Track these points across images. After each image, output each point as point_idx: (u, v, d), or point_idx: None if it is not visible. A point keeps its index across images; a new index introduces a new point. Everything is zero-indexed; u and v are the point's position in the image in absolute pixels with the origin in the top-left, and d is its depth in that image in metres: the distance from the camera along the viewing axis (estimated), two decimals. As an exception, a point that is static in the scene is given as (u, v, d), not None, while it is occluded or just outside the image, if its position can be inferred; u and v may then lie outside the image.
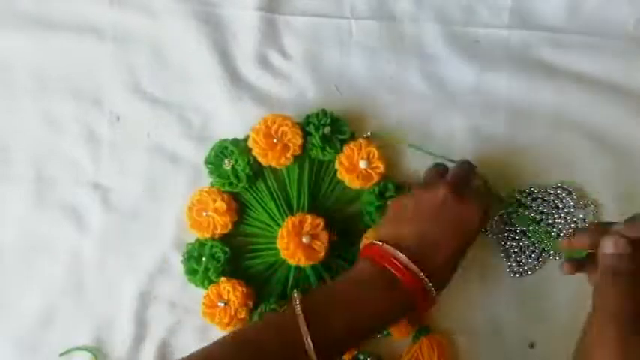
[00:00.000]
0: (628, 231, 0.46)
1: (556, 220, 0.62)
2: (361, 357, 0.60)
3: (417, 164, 0.62)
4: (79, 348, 0.60)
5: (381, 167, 0.60)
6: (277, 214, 0.60)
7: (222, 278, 0.58)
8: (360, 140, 0.60)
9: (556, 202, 0.62)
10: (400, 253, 0.49)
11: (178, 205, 0.62)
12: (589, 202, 0.62)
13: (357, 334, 0.49)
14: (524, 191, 0.62)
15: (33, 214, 0.62)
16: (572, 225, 0.61)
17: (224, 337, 0.48)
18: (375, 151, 0.60)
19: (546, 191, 0.62)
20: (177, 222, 0.62)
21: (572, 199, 0.61)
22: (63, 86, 0.64)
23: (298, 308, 0.46)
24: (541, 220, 0.62)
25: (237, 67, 0.65)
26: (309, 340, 0.45)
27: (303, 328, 0.45)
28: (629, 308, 0.44)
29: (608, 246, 0.46)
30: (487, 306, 0.62)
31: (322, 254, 0.58)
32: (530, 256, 0.61)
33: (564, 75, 0.64)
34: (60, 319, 0.61)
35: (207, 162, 0.61)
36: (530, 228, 0.61)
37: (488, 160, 0.63)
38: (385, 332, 0.60)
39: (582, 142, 0.63)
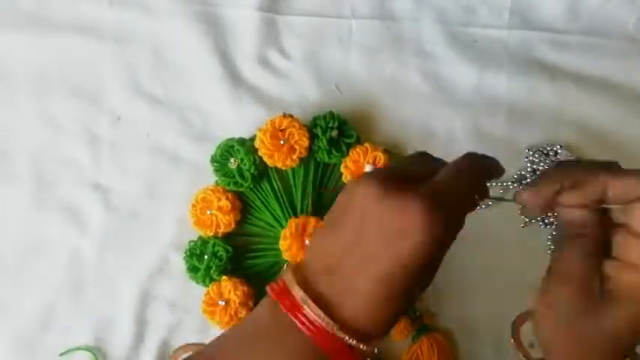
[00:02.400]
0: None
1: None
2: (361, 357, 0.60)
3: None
4: (79, 348, 0.60)
5: (386, 171, 0.60)
6: (281, 214, 0.60)
7: (224, 277, 0.58)
8: (367, 144, 0.60)
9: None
10: (299, 290, 0.36)
11: (178, 205, 0.62)
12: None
13: None
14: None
15: (33, 214, 0.62)
16: None
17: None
18: (381, 155, 0.60)
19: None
20: (177, 222, 0.62)
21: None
22: (63, 86, 0.64)
23: None
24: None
25: (238, 67, 0.65)
26: None
27: None
28: (587, 267, 0.38)
29: (567, 199, 0.39)
30: (487, 306, 0.62)
31: (324, 256, 0.58)
32: None
33: (564, 75, 0.65)
34: (60, 319, 0.60)
35: (213, 160, 0.61)
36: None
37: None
38: (385, 332, 0.60)
39: (582, 142, 0.63)
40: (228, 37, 0.65)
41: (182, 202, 0.61)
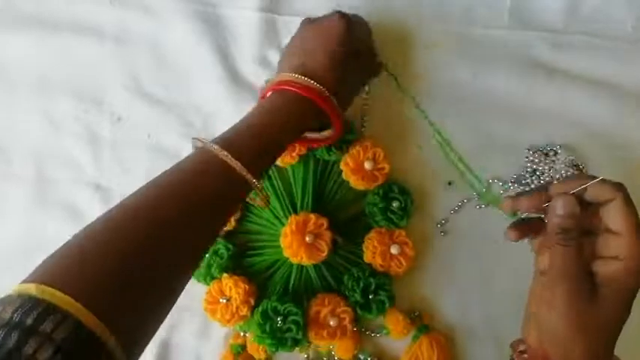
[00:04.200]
0: (567, 187, 0.47)
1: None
2: (361, 357, 0.60)
3: (421, 165, 0.63)
4: (78, 348, 0.60)
5: (386, 168, 0.60)
6: (281, 212, 0.60)
7: (225, 274, 0.58)
8: (366, 142, 0.61)
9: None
10: (284, 74, 0.54)
11: (179, 204, 0.62)
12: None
13: (274, 147, 0.52)
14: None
15: (34, 213, 0.62)
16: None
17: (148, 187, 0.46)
18: (380, 153, 0.60)
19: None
20: (177, 221, 0.62)
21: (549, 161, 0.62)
22: (64, 86, 0.64)
23: (217, 148, 0.46)
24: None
25: (238, 67, 0.65)
26: (240, 165, 0.46)
27: (231, 161, 0.45)
28: (579, 267, 0.46)
29: (560, 207, 0.47)
30: (487, 306, 0.62)
31: (325, 254, 0.58)
32: None
33: (564, 75, 0.65)
34: (60, 318, 0.60)
35: (213, 160, 0.61)
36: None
37: (488, 160, 0.63)
38: (385, 331, 0.60)
39: (582, 142, 0.64)
40: (228, 37, 0.65)
41: (182, 201, 0.61)
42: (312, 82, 0.53)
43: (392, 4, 0.66)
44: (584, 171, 0.62)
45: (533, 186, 0.62)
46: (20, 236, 0.62)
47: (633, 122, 0.64)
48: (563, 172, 0.62)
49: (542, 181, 0.62)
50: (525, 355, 0.48)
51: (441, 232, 0.62)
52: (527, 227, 0.50)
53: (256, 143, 0.49)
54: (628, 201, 0.46)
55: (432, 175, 0.63)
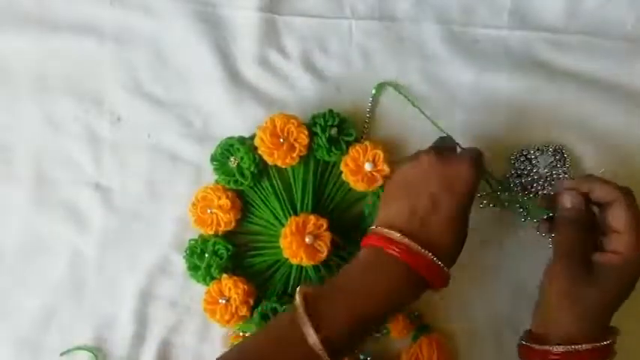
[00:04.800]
0: (576, 184, 0.55)
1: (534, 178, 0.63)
2: (361, 357, 0.60)
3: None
4: (79, 348, 0.60)
5: (386, 170, 0.60)
6: (281, 213, 0.60)
7: (224, 275, 0.58)
8: (366, 143, 0.61)
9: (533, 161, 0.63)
10: (392, 232, 0.48)
11: (179, 204, 0.62)
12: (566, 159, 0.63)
13: (368, 323, 0.48)
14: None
15: (34, 214, 0.62)
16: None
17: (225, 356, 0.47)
18: (380, 154, 0.60)
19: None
20: (177, 222, 0.62)
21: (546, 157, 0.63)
22: (63, 86, 0.64)
23: (301, 310, 0.45)
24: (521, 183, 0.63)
25: (238, 67, 0.65)
26: (315, 339, 0.44)
27: (308, 331, 0.44)
28: (580, 250, 0.53)
29: (567, 201, 0.54)
30: (487, 305, 0.62)
31: (324, 255, 0.58)
32: None
33: (564, 75, 0.65)
34: (60, 318, 0.61)
35: (213, 159, 0.61)
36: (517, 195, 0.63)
37: (487, 160, 0.63)
38: (385, 331, 0.60)
39: (582, 142, 0.64)
40: (228, 37, 0.65)
41: (182, 201, 0.61)
42: (427, 252, 0.47)
43: (396, 7, 0.66)
44: (568, 159, 0.62)
45: (517, 189, 0.63)
46: (20, 236, 0.62)
47: (633, 122, 0.64)
48: (547, 174, 0.62)
49: (529, 186, 0.62)
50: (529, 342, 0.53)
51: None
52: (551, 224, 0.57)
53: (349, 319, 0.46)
54: (631, 203, 0.52)
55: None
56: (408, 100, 0.63)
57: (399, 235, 0.47)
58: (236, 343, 0.59)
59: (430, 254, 0.47)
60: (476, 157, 0.52)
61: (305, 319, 0.45)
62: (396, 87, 0.64)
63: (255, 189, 0.61)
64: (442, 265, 0.48)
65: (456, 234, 0.49)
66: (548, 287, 0.53)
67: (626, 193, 0.53)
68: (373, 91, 0.64)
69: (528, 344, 0.53)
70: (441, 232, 0.48)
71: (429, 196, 0.49)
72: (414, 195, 0.49)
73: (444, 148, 0.54)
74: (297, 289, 0.47)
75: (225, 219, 0.59)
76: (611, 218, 0.52)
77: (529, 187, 0.62)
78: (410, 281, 0.48)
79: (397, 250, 0.47)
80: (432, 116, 0.63)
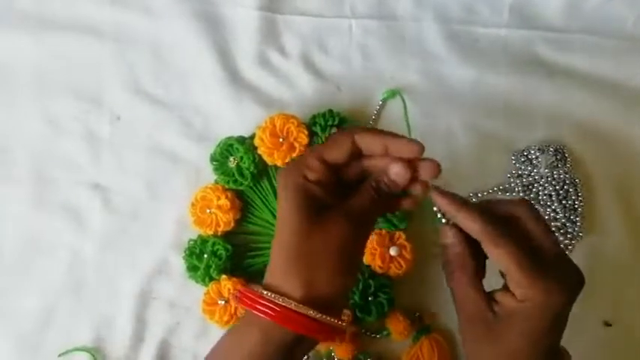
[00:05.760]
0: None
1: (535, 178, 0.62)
2: (361, 357, 0.60)
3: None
4: (77, 349, 0.60)
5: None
6: (280, 213, 0.60)
7: (223, 276, 0.58)
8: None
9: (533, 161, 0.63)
10: (254, 288, 0.41)
11: (178, 205, 0.62)
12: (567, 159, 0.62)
13: None
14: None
15: (33, 214, 0.62)
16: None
17: None
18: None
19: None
20: (177, 222, 0.62)
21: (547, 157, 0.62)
22: (63, 86, 0.64)
23: None
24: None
25: (237, 66, 0.65)
26: None
27: None
28: (474, 301, 0.43)
29: (445, 237, 0.44)
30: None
31: (323, 255, 0.58)
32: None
33: (564, 74, 0.65)
34: (60, 319, 0.60)
35: (213, 159, 0.61)
36: None
37: (487, 159, 0.63)
38: (385, 332, 0.60)
39: (582, 142, 0.63)
40: (228, 37, 0.65)
41: (182, 201, 0.61)
42: (309, 310, 0.39)
43: (396, 6, 0.66)
44: (569, 159, 0.62)
45: (518, 189, 0.62)
46: (19, 236, 0.62)
47: (633, 122, 0.64)
48: (548, 173, 0.62)
49: (529, 185, 0.62)
50: None
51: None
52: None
53: None
54: (498, 241, 0.40)
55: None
56: (406, 117, 0.63)
57: (260, 289, 0.41)
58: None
59: (310, 311, 0.40)
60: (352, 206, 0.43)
61: None
62: (403, 100, 0.63)
63: (255, 189, 0.61)
64: (327, 318, 0.40)
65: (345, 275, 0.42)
66: (463, 344, 0.45)
67: (492, 227, 0.41)
68: (384, 95, 0.64)
69: None
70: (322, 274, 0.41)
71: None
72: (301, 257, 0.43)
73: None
74: None
75: (224, 219, 0.59)
76: (490, 257, 0.42)
77: (530, 187, 0.62)
78: (278, 336, 0.40)
79: (266, 310, 0.40)
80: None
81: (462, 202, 0.43)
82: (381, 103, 0.64)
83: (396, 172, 0.42)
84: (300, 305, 0.39)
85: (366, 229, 0.44)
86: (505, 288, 0.42)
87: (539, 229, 0.42)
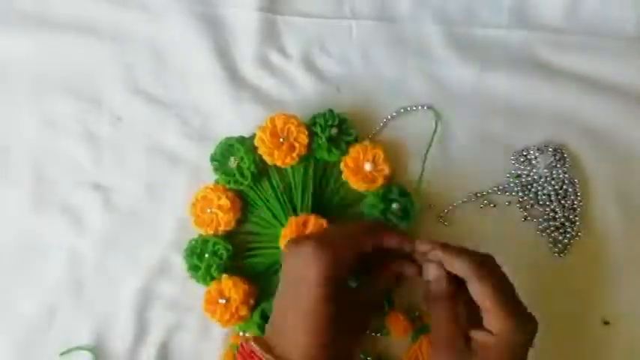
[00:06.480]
0: (434, 256, 0.50)
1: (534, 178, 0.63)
2: (361, 356, 0.60)
3: (420, 167, 0.63)
4: (78, 348, 0.60)
5: (386, 170, 0.60)
6: (281, 213, 0.60)
7: (224, 275, 0.58)
8: (366, 142, 0.60)
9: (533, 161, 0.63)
10: (252, 344, 0.46)
11: (178, 205, 0.62)
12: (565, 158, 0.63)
13: None
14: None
15: (33, 214, 0.62)
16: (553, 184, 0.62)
17: None
18: (380, 154, 0.60)
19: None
20: (177, 222, 0.62)
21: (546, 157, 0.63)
22: (63, 86, 0.64)
23: None
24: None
25: (237, 67, 0.65)
26: None
27: None
28: (453, 335, 0.47)
29: (429, 273, 0.50)
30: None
31: (324, 255, 0.58)
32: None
33: (564, 75, 0.65)
34: (60, 319, 0.60)
35: (213, 159, 0.61)
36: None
37: (487, 159, 0.63)
38: (385, 331, 0.60)
39: (582, 142, 0.64)
40: (228, 37, 0.65)
41: (182, 201, 0.61)
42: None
43: (396, 7, 0.66)
44: (568, 159, 0.62)
45: (517, 189, 0.63)
46: (19, 236, 0.62)
47: (633, 121, 0.64)
48: (547, 173, 0.62)
49: (529, 185, 0.62)
50: None
51: (445, 224, 0.63)
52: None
53: None
54: (485, 275, 0.46)
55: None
56: (432, 138, 0.63)
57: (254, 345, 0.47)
58: (236, 343, 0.59)
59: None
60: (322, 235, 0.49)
61: None
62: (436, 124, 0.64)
63: (255, 189, 0.61)
64: None
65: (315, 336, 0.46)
66: None
67: (481, 264, 0.47)
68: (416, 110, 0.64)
69: None
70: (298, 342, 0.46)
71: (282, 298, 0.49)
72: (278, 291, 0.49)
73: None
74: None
75: (224, 219, 0.59)
76: (472, 294, 0.46)
77: (529, 186, 0.62)
78: None
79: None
80: (432, 115, 0.63)
81: (445, 244, 0.49)
82: (395, 114, 0.64)
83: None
84: None
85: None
86: (479, 326, 0.46)
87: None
